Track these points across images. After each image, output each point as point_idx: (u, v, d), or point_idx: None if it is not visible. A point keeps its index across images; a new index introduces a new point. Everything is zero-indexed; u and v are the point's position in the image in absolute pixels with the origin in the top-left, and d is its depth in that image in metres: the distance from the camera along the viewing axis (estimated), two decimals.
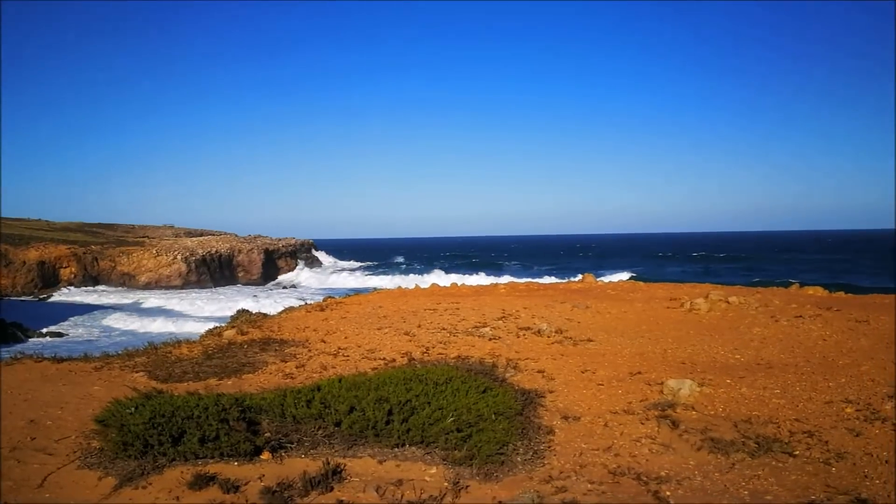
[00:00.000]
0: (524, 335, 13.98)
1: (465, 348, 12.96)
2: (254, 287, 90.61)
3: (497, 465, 7.50)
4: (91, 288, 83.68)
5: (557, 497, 6.69)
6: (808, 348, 12.28)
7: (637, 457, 7.80)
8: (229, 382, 11.21)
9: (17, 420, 8.96)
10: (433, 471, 7.47)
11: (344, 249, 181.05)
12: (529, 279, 29.92)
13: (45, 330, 51.57)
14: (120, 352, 13.79)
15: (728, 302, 16.17)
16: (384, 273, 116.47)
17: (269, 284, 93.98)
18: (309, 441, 8.12)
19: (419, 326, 15.05)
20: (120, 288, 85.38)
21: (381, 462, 7.70)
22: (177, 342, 14.47)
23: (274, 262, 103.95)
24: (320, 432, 8.22)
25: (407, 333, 14.37)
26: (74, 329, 52.42)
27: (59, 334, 51.12)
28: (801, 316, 14.62)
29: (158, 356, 13.18)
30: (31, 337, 48.18)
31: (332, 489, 6.90)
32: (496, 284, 24.20)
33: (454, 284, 24.51)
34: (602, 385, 10.49)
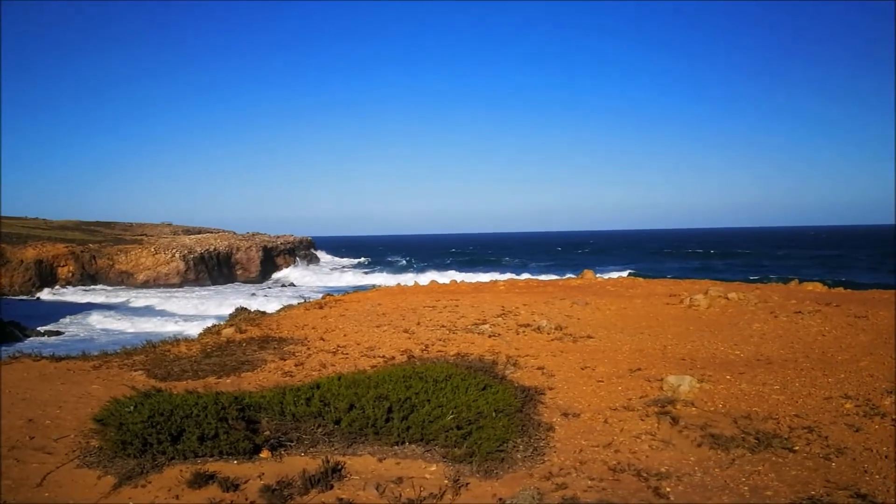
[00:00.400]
0: (524, 332, 13.98)
1: (465, 345, 12.96)
2: (251, 285, 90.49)
3: (497, 463, 7.50)
4: (82, 287, 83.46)
5: (558, 494, 6.69)
6: (808, 344, 12.28)
7: (637, 453, 7.80)
8: (228, 381, 11.20)
9: (16, 419, 8.95)
10: (433, 468, 7.46)
11: (343, 247, 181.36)
12: (529, 276, 29.90)
13: (42, 329, 51.53)
14: (118, 350, 13.77)
15: (727, 298, 16.18)
16: (383, 270, 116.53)
17: (268, 282, 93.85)
18: (308, 439, 8.11)
19: (418, 324, 15.05)
20: (118, 287, 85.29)
21: (380, 460, 7.69)
22: (175, 340, 14.46)
23: (272, 260, 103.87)
24: (320, 430, 8.21)
25: (406, 331, 14.37)
26: (66, 329, 52.25)
27: (57, 333, 51.09)
28: (800, 312, 14.62)
29: (157, 355, 13.18)
30: (29, 336, 48.16)
31: (331, 487, 6.89)
32: (495, 281, 24.21)
33: (453, 281, 24.53)
34: (602, 382, 10.48)
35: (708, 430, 8.29)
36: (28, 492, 7.03)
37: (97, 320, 55.91)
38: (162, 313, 61.52)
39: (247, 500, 6.71)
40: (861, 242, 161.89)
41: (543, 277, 26.56)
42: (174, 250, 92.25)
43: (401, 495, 6.71)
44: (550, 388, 10.24)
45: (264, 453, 7.76)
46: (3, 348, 25.70)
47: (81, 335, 49.30)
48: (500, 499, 6.64)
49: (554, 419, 8.92)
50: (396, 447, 7.98)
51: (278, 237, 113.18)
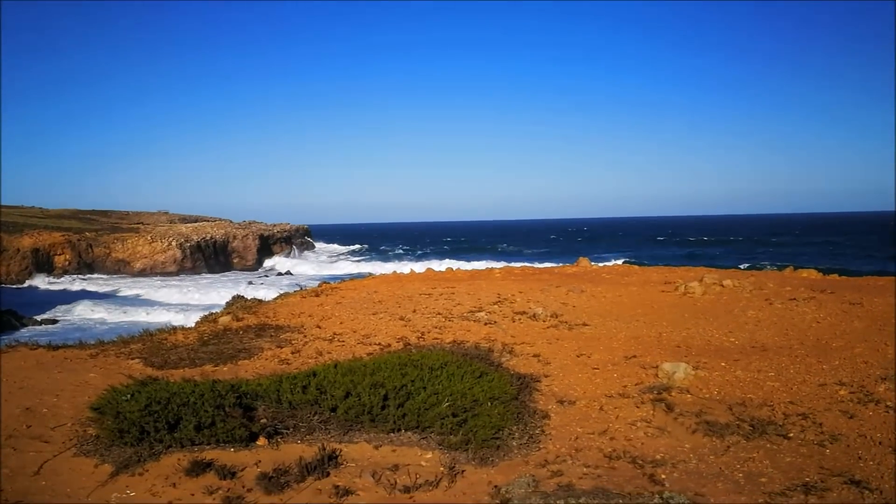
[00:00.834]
0: (520, 319, 14.00)
1: (461, 333, 12.98)
2: (248, 273, 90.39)
3: (493, 450, 7.53)
4: (79, 276, 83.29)
5: (553, 481, 6.71)
6: (802, 331, 12.31)
7: (632, 440, 7.83)
8: (225, 369, 11.22)
9: (13, 408, 8.95)
10: (429, 455, 7.49)
11: (339, 235, 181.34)
12: (525, 263, 29.94)
13: (39, 318, 51.49)
14: (115, 339, 13.78)
15: (722, 285, 16.21)
16: (379, 258, 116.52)
17: (263, 270, 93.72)
18: (305, 427, 8.13)
19: (414, 311, 15.07)
20: (114, 275, 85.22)
21: (376, 447, 7.72)
22: (172, 329, 14.47)
23: (269, 248, 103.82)
24: (316, 418, 8.24)
25: (402, 318, 14.38)
26: (60, 318, 52.10)
27: (53, 321, 51.04)
28: (795, 298, 14.66)
29: (154, 343, 13.18)
30: (26, 325, 48.16)
31: (328, 474, 6.93)
32: (491, 269, 24.22)
33: (449, 269, 24.56)
34: (597, 369, 10.51)
35: (703, 417, 8.32)
36: (25, 480, 7.05)
37: (83, 310, 55.39)
38: (155, 303, 61.24)
39: (244, 487, 6.74)
40: (858, 229, 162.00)
41: (539, 265, 26.55)
42: (171, 239, 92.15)
43: (397, 482, 6.74)
44: (546, 376, 10.27)
45: (261, 441, 7.79)
46: (1, 337, 25.71)
47: (78, 324, 49.23)
48: (496, 486, 6.67)
49: (549, 406, 8.95)
50: (392, 434, 8.01)
51: (275, 225, 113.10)
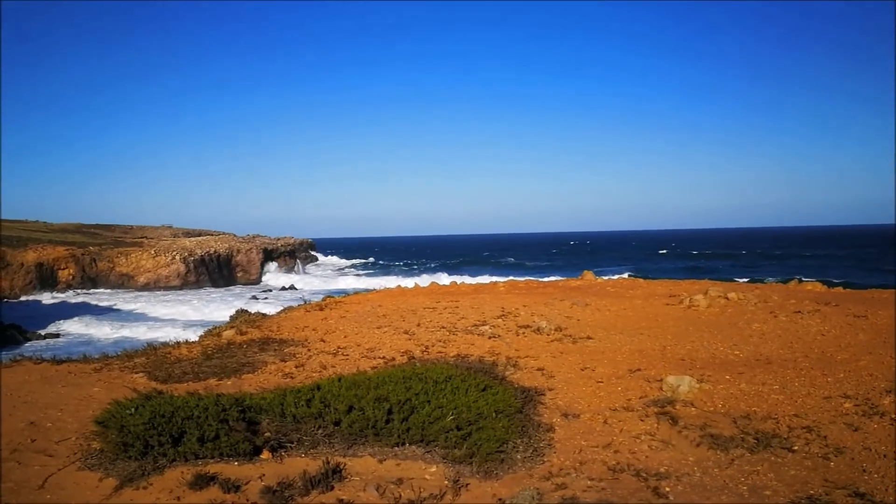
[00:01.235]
0: (524, 333, 14.00)
1: (465, 346, 12.98)
2: (251, 287, 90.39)
3: (497, 463, 7.52)
4: (83, 291, 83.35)
5: (557, 494, 6.71)
6: (807, 344, 12.30)
7: (636, 453, 7.82)
8: (229, 382, 11.22)
9: (18, 422, 8.97)
10: (433, 469, 7.49)
11: (343, 248, 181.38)
12: (529, 277, 29.96)
13: (43, 332, 51.50)
14: (119, 353, 13.79)
15: (727, 298, 16.20)
16: (383, 272, 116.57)
17: (266, 284, 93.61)
18: (309, 440, 8.13)
19: (418, 325, 15.07)
20: (118, 289, 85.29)
21: (381, 461, 7.71)
22: (176, 343, 14.49)
23: (273, 262, 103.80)
24: (320, 431, 8.23)
25: (406, 332, 14.38)
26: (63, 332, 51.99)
27: (56, 335, 51.05)
28: (799, 311, 14.64)
29: (158, 357, 13.19)
30: (29, 339, 48.20)
31: (332, 488, 6.92)
32: (495, 282, 24.23)
33: (453, 283, 24.56)
34: (601, 382, 10.51)
35: (707, 431, 8.31)
36: (30, 494, 7.06)
37: (76, 326, 55.16)
38: (156, 318, 61.18)
39: (248, 501, 6.74)
40: (861, 242, 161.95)
41: (543, 278, 26.56)
42: (174, 253, 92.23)
43: (401, 496, 6.74)
44: (550, 389, 10.26)
45: (265, 454, 7.79)
46: (5, 352, 25.73)
47: (82, 337, 49.19)
48: (500, 499, 6.66)
49: (554, 420, 8.95)
50: (397, 448, 8.00)
51: (278, 239, 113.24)
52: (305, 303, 19.46)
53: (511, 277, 28.68)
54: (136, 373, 12.00)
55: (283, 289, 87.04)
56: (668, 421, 8.68)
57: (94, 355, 13.67)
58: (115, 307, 68.83)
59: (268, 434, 8.16)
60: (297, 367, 12.09)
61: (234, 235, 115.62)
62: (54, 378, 11.49)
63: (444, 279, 37.18)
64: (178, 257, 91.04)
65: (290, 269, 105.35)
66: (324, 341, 13.94)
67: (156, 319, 60.22)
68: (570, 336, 13.56)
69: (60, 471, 7.61)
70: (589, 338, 13.42)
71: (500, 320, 15.26)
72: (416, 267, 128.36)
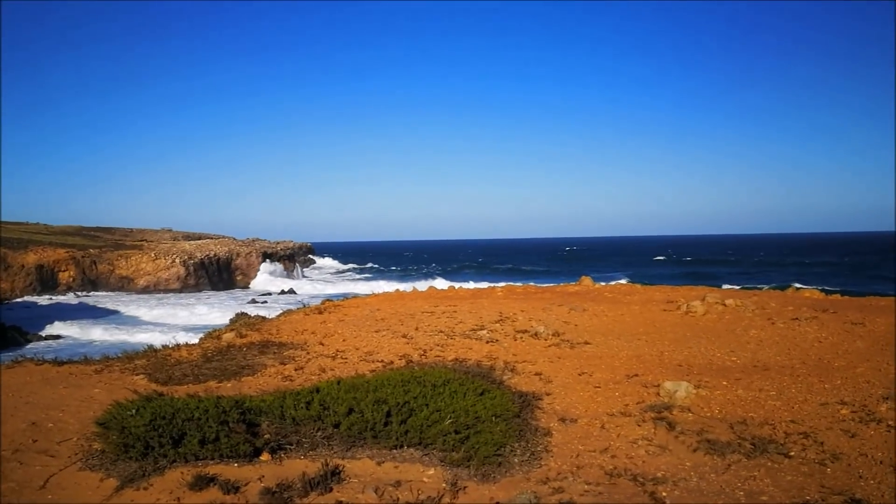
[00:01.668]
0: (521, 338, 14.03)
1: (463, 351, 13.02)
2: (250, 291, 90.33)
3: (494, 467, 7.56)
4: (83, 293, 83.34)
5: (554, 498, 6.76)
6: (804, 350, 12.34)
7: (634, 458, 7.86)
8: (229, 385, 11.26)
9: (19, 422, 9.02)
10: (431, 472, 7.53)
11: (343, 252, 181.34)
12: (527, 282, 29.98)
13: (44, 333, 51.51)
14: (120, 355, 13.83)
15: (724, 304, 16.24)
16: (382, 276, 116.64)
17: (266, 288, 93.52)
18: (308, 442, 8.18)
19: (417, 329, 15.11)
20: (119, 292, 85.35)
21: (379, 463, 7.76)
22: (176, 345, 14.53)
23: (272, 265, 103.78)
24: (319, 434, 8.28)
25: (405, 336, 14.43)
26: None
27: (57, 337, 51.06)
28: (797, 318, 14.68)
29: (158, 359, 13.23)
30: (30, 340, 48.25)
31: (331, 490, 6.97)
32: (493, 287, 24.24)
33: (451, 287, 24.59)
34: (599, 387, 10.55)
35: (704, 436, 8.35)
36: (31, 494, 7.10)
37: (74, 330, 54.99)
38: (155, 322, 61.03)
39: (247, 502, 6.78)
40: (859, 250, 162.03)
41: (541, 284, 26.57)
42: (174, 256, 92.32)
43: (399, 498, 6.78)
44: (548, 394, 10.30)
45: (264, 456, 7.83)
46: (6, 353, 25.76)
47: (77, 341, 49.12)
48: (498, 502, 6.71)
49: (551, 424, 8.99)
50: (395, 451, 8.05)
51: (278, 243, 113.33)
52: (304, 306, 19.49)
53: (509, 282, 28.71)
54: (137, 374, 12.05)
55: (282, 292, 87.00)
56: (665, 426, 8.72)
57: (94, 357, 13.71)
58: (114, 310, 68.62)
59: (267, 436, 8.20)
60: (296, 369, 12.13)
61: (234, 239, 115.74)
62: (55, 379, 11.54)
63: (441, 284, 37.20)
64: (177, 260, 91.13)
65: (289, 273, 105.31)
66: (323, 345, 13.98)
67: (154, 323, 60.16)
68: (568, 341, 13.60)
69: (62, 471, 7.65)
70: (586, 343, 13.46)
71: (497, 325, 15.30)
72: (413, 271, 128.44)
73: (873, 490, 6.86)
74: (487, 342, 13.71)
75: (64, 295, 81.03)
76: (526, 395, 10.12)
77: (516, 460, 7.80)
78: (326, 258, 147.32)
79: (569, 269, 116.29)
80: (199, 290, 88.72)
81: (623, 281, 33.68)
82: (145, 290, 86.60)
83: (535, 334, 14.16)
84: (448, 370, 10.66)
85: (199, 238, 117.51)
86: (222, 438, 7.74)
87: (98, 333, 52.82)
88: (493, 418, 8.51)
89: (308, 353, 13.32)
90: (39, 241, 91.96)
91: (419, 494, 6.85)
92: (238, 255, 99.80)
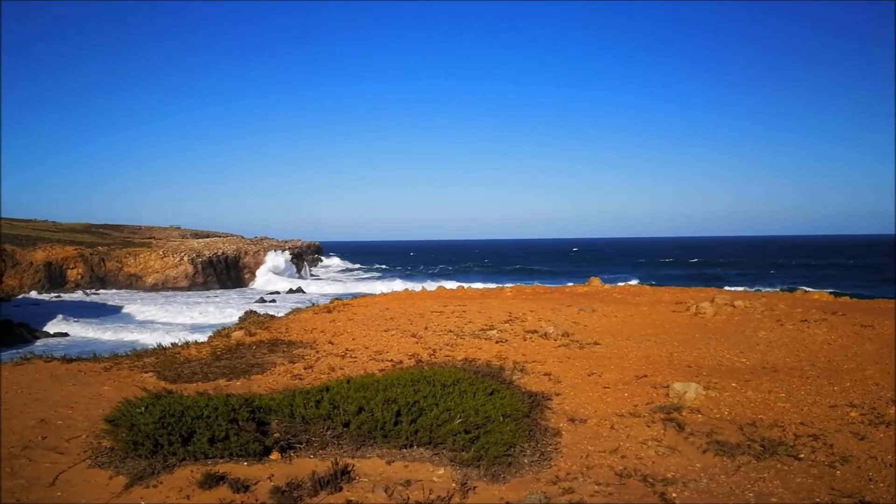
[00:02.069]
0: (531, 338, 14.03)
1: (472, 350, 13.02)
2: (259, 290, 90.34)
3: (504, 467, 7.56)
4: (91, 290, 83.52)
5: (564, 498, 6.75)
6: (814, 352, 12.32)
7: (643, 459, 7.85)
8: (238, 383, 11.27)
9: (28, 419, 9.03)
10: (441, 472, 7.53)
11: (351, 252, 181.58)
12: (536, 282, 29.96)
13: (52, 330, 51.56)
14: (129, 352, 13.86)
15: (734, 306, 16.21)
16: (391, 275, 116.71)
17: (275, 287, 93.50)
18: (318, 441, 8.18)
19: (426, 328, 15.11)
20: (127, 290, 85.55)
21: (389, 463, 7.76)
22: (185, 343, 14.55)
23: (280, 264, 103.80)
24: (329, 433, 8.28)
25: (414, 335, 14.43)
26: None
27: (64, 335, 51.12)
28: (806, 320, 14.66)
29: (167, 357, 13.25)
30: (38, 337, 48.36)
31: (340, 489, 6.96)
32: (502, 287, 24.23)
33: (461, 287, 24.59)
34: (608, 388, 10.54)
35: (714, 437, 8.34)
36: (40, 491, 7.11)
37: (78, 328, 54.77)
38: (164, 322, 60.93)
39: (257, 500, 6.78)
40: (868, 252, 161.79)
41: (550, 284, 26.56)
42: (183, 254, 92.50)
43: (409, 498, 6.78)
44: (557, 394, 10.30)
45: (274, 455, 7.83)
46: (14, 350, 25.78)
47: (82, 339, 49.12)
48: (508, 503, 6.70)
49: (561, 424, 8.98)
50: (405, 450, 8.04)
51: (286, 242, 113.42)
52: (313, 305, 19.50)
53: (517, 283, 28.71)
54: (146, 372, 12.06)
55: (291, 291, 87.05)
56: (675, 427, 8.71)
57: (103, 354, 13.73)
58: (121, 308, 68.65)
59: (277, 435, 8.20)
60: (305, 368, 12.14)
61: (242, 237, 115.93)
62: (64, 376, 11.55)
63: (450, 284, 37.21)
64: (186, 258, 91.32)
65: (297, 272, 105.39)
66: (332, 343, 13.99)
67: (163, 322, 60.17)
68: (577, 341, 13.60)
69: (71, 468, 7.66)
70: (596, 343, 13.45)
71: (507, 325, 15.30)
72: (421, 271, 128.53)
73: (883, 493, 6.84)
74: (497, 342, 13.71)
75: (73, 292, 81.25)
76: (535, 395, 10.11)
77: (526, 460, 7.79)
78: (334, 257, 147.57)
79: (577, 269, 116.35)
80: (208, 289, 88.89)
81: (632, 282, 33.67)
82: (153, 288, 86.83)
83: (545, 335, 14.16)
84: (458, 370, 10.66)
85: (208, 236, 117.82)
86: (232, 437, 7.74)
87: (103, 333, 52.69)
88: (503, 418, 8.51)
89: (317, 351, 13.33)
90: (48, 239, 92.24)
91: (429, 494, 6.85)
92: (246, 253, 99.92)
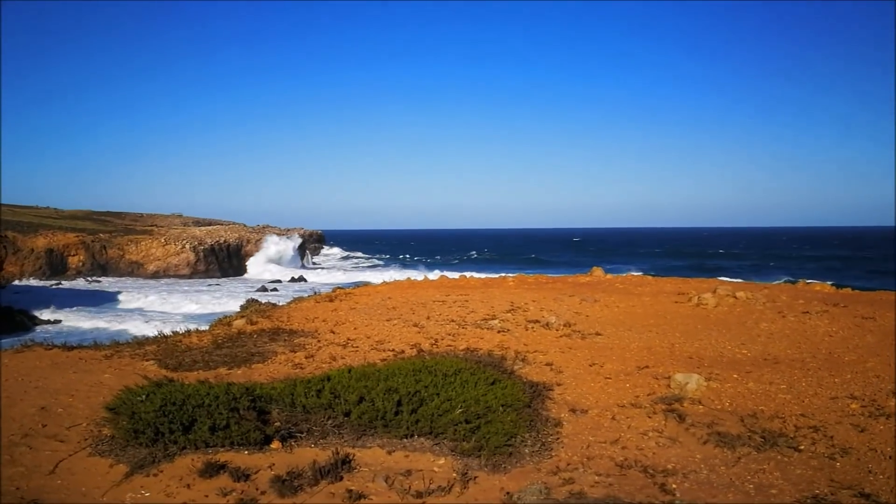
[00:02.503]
0: (533, 328, 14.02)
1: (474, 340, 13.01)
2: (261, 279, 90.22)
3: (505, 457, 7.56)
4: (93, 278, 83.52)
5: (565, 489, 6.74)
6: (815, 344, 12.32)
7: (644, 450, 7.85)
8: (239, 372, 11.27)
9: (29, 407, 9.03)
10: (442, 461, 7.53)
11: (353, 240, 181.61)
12: (538, 272, 29.94)
13: (45, 317, 51.47)
14: (130, 340, 13.87)
15: (736, 297, 16.21)
16: (393, 265, 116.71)
17: (276, 275, 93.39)
18: (318, 431, 8.17)
19: (428, 318, 15.11)
20: (128, 277, 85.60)
21: (389, 452, 7.76)
22: (186, 331, 14.55)
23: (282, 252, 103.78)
24: (330, 422, 8.28)
25: (416, 325, 14.43)
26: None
27: (58, 322, 51.04)
28: (807, 312, 14.66)
29: (168, 345, 13.24)
30: (38, 325, 48.38)
31: (341, 478, 6.96)
32: (505, 277, 24.22)
33: (463, 276, 24.61)
34: (610, 378, 10.53)
35: (714, 428, 8.34)
36: (41, 479, 7.11)
37: (76, 317, 54.33)
38: (164, 310, 60.70)
39: (257, 489, 6.78)
40: (871, 244, 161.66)
41: (552, 274, 26.54)
42: (184, 241, 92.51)
43: (409, 487, 6.78)
44: (558, 384, 10.29)
45: (275, 444, 7.83)
46: (14, 337, 25.77)
47: (85, 326, 49.03)
48: (508, 493, 6.70)
49: (562, 415, 8.98)
50: (405, 440, 8.04)
51: (288, 230, 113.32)
52: (315, 294, 19.50)
53: (519, 272, 28.69)
54: (147, 360, 12.06)
55: (292, 280, 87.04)
56: (676, 418, 8.71)
57: (104, 342, 13.74)
58: (119, 295, 68.40)
59: (278, 424, 8.21)
60: (307, 357, 12.14)
61: (245, 226, 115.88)
62: (65, 364, 11.55)
63: (453, 273, 37.18)
64: (187, 246, 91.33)
65: (299, 261, 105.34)
66: (333, 332, 13.99)
67: (163, 311, 60.06)
68: (579, 332, 13.59)
69: (71, 456, 7.66)
70: (598, 334, 13.44)
71: (509, 315, 15.29)
72: (423, 260, 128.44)
73: (882, 485, 6.84)
74: (499, 332, 13.71)
75: (74, 279, 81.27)
76: (537, 385, 10.11)
77: (527, 451, 7.79)
78: (335, 247, 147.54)
79: (579, 259, 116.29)
80: (209, 277, 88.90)
81: (634, 272, 33.64)
82: (155, 276, 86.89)
83: (547, 324, 14.15)
84: (459, 359, 10.66)
85: (210, 224, 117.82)
86: (233, 425, 7.74)
87: (113, 322, 52.50)
88: (504, 408, 8.50)
89: (319, 340, 13.33)
90: (49, 226, 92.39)
91: (430, 484, 6.85)
92: (248, 241, 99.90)
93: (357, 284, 23.99)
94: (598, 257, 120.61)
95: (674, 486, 6.84)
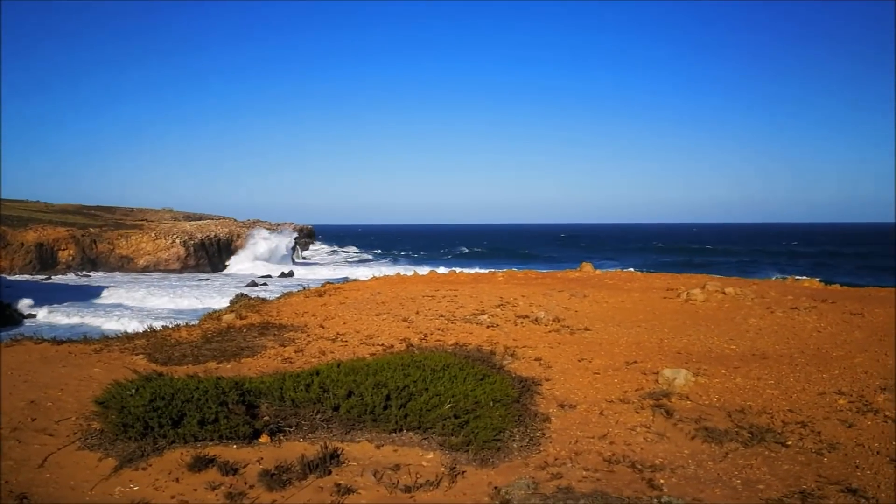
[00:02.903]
0: (522, 323, 14.03)
1: (463, 335, 13.02)
2: (251, 274, 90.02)
3: (493, 452, 7.58)
4: (83, 272, 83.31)
5: (552, 483, 6.77)
6: (803, 340, 12.35)
7: (632, 445, 7.88)
8: (228, 366, 11.27)
9: (18, 401, 9.02)
10: (430, 456, 7.55)
11: (343, 235, 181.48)
12: (527, 267, 29.99)
13: (27, 311, 51.21)
14: (119, 334, 13.85)
15: (724, 293, 16.23)
16: (383, 260, 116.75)
17: (266, 270, 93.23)
18: (307, 425, 8.19)
19: (417, 313, 15.11)
20: (117, 271, 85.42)
21: (378, 447, 7.78)
22: (176, 326, 14.54)
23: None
24: (319, 416, 8.29)
25: (405, 320, 14.43)
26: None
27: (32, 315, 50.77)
28: (796, 308, 14.69)
29: (158, 339, 13.23)
30: (27, 319, 48.26)
31: (330, 473, 6.99)
32: (494, 272, 24.20)
33: (452, 272, 24.57)
34: (598, 374, 10.56)
35: (702, 424, 8.37)
36: (29, 472, 7.12)
37: (61, 314, 53.63)
38: (154, 305, 60.42)
39: (246, 483, 6.80)
40: (861, 241, 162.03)
41: (542, 269, 26.56)
42: (175, 236, 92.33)
43: (398, 482, 6.80)
44: (547, 380, 10.31)
45: (263, 438, 7.85)
46: (4, 331, 25.76)
47: (73, 321, 48.82)
48: (496, 487, 6.72)
49: (550, 410, 9.00)
50: (394, 434, 8.07)
51: (278, 225, 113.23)
52: (305, 289, 19.48)
53: (509, 268, 28.73)
54: (136, 354, 12.05)
55: (282, 275, 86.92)
56: (664, 413, 8.74)
57: (94, 336, 13.71)
58: (108, 289, 67.89)
59: (267, 418, 8.22)
60: (296, 352, 12.14)
61: (235, 220, 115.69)
62: (54, 358, 11.54)
63: (442, 268, 37.20)
64: (178, 241, 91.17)
65: (289, 256, 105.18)
66: (323, 327, 13.99)
67: (153, 306, 59.82)
68: (568, 327, 13.60)
69: (60, 450, 7.67)
70: (586, 329, 13.46)
71: (498, 310, 15.30)
72: (415, 256, 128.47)
73: (870, 480, 6.88)
74: (488, 327, 13.71)
75: (64, 274, 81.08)
76: (525, 380, 10.13)
77: (515, 445, 7.82)
78: (328, 242, 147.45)
79: (569, 255, 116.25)
80: (199, 271, 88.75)
81: (624, 268, 33.72)
82: (145, 270, 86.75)
83: (536, 320, 14.17)
84: (448, 354, 10.65)
85: (200, 219, 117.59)
86: (221, 420, 7.75)
87: (100, 318, 52.09)
88: (493, 403, 8.52)
89: (308, 335, 13.33)
90: (39, 220, 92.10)
91: (418, 478, 6.87)
92: (238, 236, 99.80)
93: (346, 279, 24.02)
94: (587, 253, 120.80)
95: (661, 481, 6.88)
